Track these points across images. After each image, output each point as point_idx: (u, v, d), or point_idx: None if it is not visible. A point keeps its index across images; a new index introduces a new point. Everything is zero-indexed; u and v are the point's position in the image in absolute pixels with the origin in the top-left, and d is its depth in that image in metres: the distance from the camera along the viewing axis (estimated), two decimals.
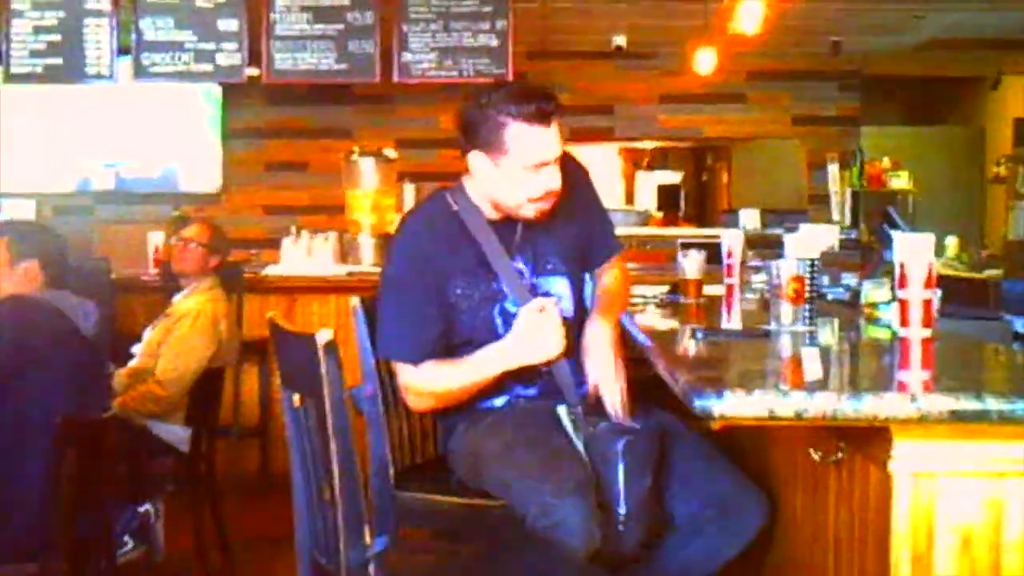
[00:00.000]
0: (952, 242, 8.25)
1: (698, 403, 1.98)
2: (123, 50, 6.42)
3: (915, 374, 2.38)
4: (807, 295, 3.01)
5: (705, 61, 7.62)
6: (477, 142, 2.78)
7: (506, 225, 2.88)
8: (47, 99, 8.66)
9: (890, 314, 2.87)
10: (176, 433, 4.47)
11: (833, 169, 9.03)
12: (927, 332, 2.61)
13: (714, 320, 3.49)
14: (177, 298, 4.75)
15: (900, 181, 10.17)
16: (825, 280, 4.27)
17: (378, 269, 6.06)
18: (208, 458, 4.67)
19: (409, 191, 7.14)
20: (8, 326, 3.40)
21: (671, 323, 3.35)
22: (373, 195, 6.68)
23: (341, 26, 6.41)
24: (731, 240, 4.04)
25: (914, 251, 2.66)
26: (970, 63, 10.04)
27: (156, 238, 6.60)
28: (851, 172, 9.22)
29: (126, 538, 3.75)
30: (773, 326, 2.98)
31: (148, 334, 4.64)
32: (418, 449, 3.11)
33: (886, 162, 10.11)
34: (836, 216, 8.87)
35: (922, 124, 11.43)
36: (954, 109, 11.62)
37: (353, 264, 6.51)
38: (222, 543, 4.73)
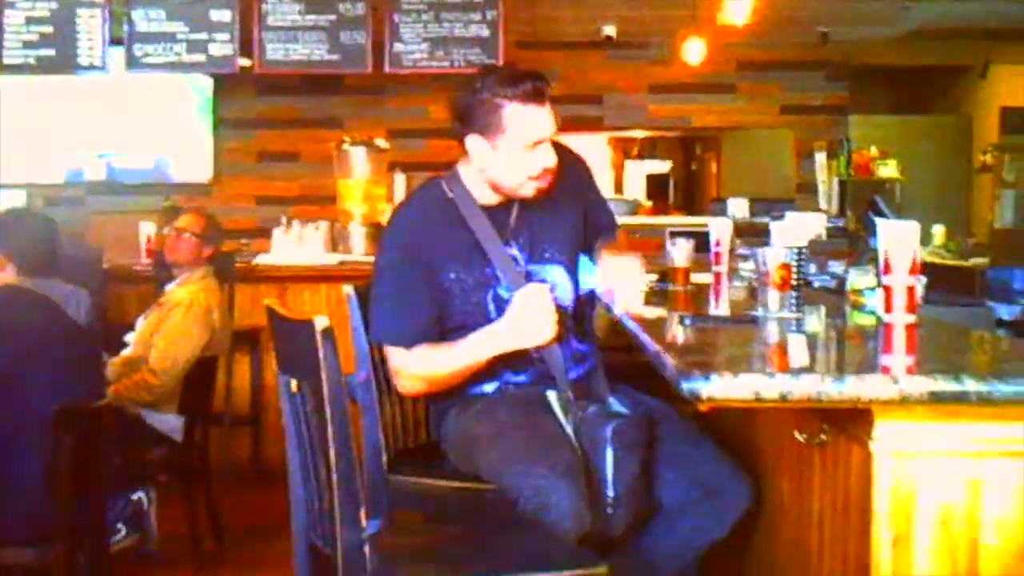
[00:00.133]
0: (939, 230, 8.28)
1: (686, 386, 2.03)
2: (115, 41, 6.44)
3: (897, 358, 2.43)
4: (793, 282, 3.06)
5: (694, 51, 7.67)
6: (474, 126, 2.82)
7: (501, 211, 2.93)
8: (39, 90, 8.67)
9: (875, 300, 2.91)
10: (169, 422, 4.51)
11: (820, 158, 9.07)
12: (911, 318, 2.66)
13: (702, 307, 3.54)
14: (170, 287, 4.78)
15: (888, 170, 10.22)
16: (812, 268, 4.32)
17: (369, 258, 6.14)
18: (201, 447, 4.70)
19: (400, 181, 7.18)
20: (3, 319, 3.42)
21: (660, 311, 3.40)
22: (364, 185, 6.71)
23: (333, 17, 6.44)
24: (719, 229, 4.09)
25: (898, 239, 2.70)
26: (958, 52, 10.09)
27: (148, 228, 6.62)
28: (838, 161, 9.27)
29: (119, 525, 3.77)
30: (760, 312, 3.02)
31: (141, 323, 4.67)
32: (410, 434, 3.16)
33: (874, 151, 10.16)
34: (823, 205, 8.91)
35: (910, 113, 11.47)
36: (942, 98, 11.66)
37: (344, 253, 6.54)
38: (215, 531, 4.77)
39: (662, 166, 11.00)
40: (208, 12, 6.43)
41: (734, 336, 2.77)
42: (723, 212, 8.03)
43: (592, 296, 3.08)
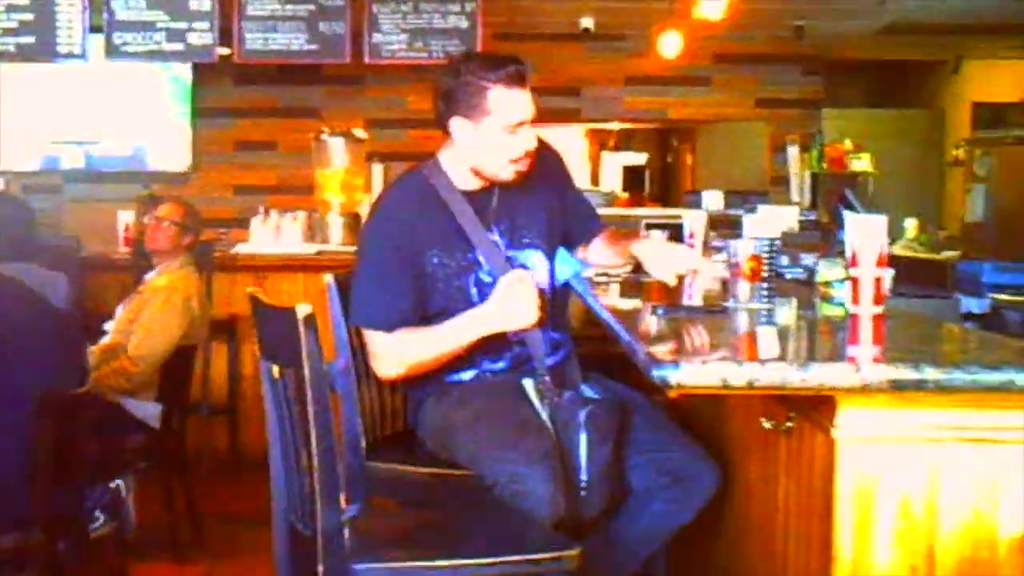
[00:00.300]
0: (912, 224, 8.37)
1: (656, 373, 2.09)
2: (94, 28, 6.45)
3: (860, 347, 2.49)
4: (764, 274, 3.13)
5: (671, 44, 7.72)
6: (459, 108, 2.89)
7: (482, 197, 2.99)
8: (16, 77, 8.65)
9: (843, 292, 2.98)
10: (148, 409, 4.53)
11: (793, 151, 9.14)
12: (877, 309, 2.73)
13: (675, 298, 3.60)
14: (150, 276, 4.80)
15: (861, 163, 10.27)
16: (784, 260, 4.38)
17: (347, 248, 6.19)
18: (179, 435, 4.73)
19: (378, 171, 7.22)
20: None
21: (634, 301, 3.46)
22: (342, 175, 6.75)
23: (312, 7, 6.47)
24: (693, 221, 4.14)
25: (866, 232, 2.77)
26: (931, 47, 10.17)
27: (126, 216, 6.63)
28: (811, 155, 9.34)
29: (97, 513, 3.78)
30: (731, 303, 3.09)
31: (120, 311, 4.69)
32: (388, 422, 3.21)
33: (848, 144, 10.21)
34: (796, 198, 8.98)
35: (883, 107, 11.55)
36: (915, 93, 11.74)
37: (322, 243, 6.58)
38: (193, 519, 4.79)
39: (638, 158, 11.04)
40: (188, 1, 6.45)
41: (704, 325, 2.83)
42: (698, 204, 8.07)
43: (567, 286, 3.15)
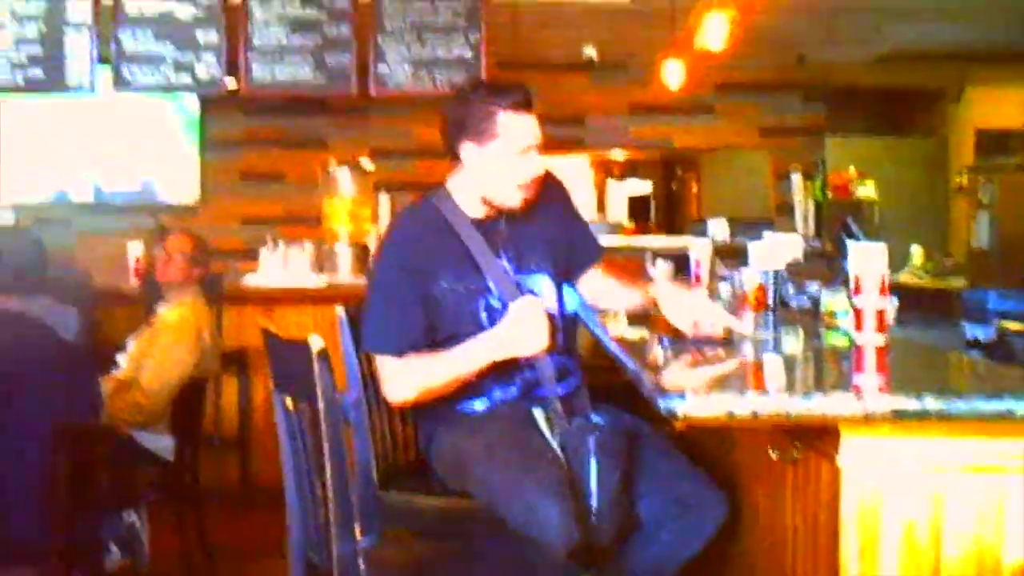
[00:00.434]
0: (917, 251, 8.41)
1: (663, 404, 2.13)
2: (102, 61, 6.51)
3: (863, 376, 2.52)
4: (768, 303, 3.16)
5: (674, 74, 7.76)
6: (467, 133, 2.97)
7: (490, 225, 3.05)
8: (26, 111, 8.73)
9: (847, 321, 3.01)
10: (160, 442, 4.53)
11: (796, 179, 9.19)
12: (881, 339, 2.76)
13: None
14: (161, 309, 4.82)
15: (866, 190, 10.30)
16: (790, 289, 4.41)
17: (355, 279, 6.23)
18: (192, 467, 4.74)
19: (385, 201, 7.26)
20: None
21: (641, 331, 3.49)
22: (350, 205, 6.80)
23: (318, 39, 6.52)
24: (699, 250, 4.18)
25: (868, 261, 2.80)
26: (932, 75, 10.22)
27: (136, 249, 6.67)
28: (814, 183, 9.38)
29: (111, 545, 3.82)
30: (736, 333, 3.13)
31: (132, 344, 4.71)
32: (400, 452, 3.23)
33: (852, 172, 10.25)
34: (800, 226, 9.02)
35: (887, 135, 11.59)
36: (918, 120, 11.78)
37: (330, 273, 6.61)
38: (206, 551, 4.80)
39: (643, 186, 11.09)
40: (195, 34, 6.50)
41: (710, 356, 2.87)
42: (703, 233, 8.09)
43: (576, 316, 3.20)
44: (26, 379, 3.38)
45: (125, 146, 9.10)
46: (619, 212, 10.61)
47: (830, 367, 2.88)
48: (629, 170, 11.31)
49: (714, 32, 5.60)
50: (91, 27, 6.43)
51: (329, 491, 2.31)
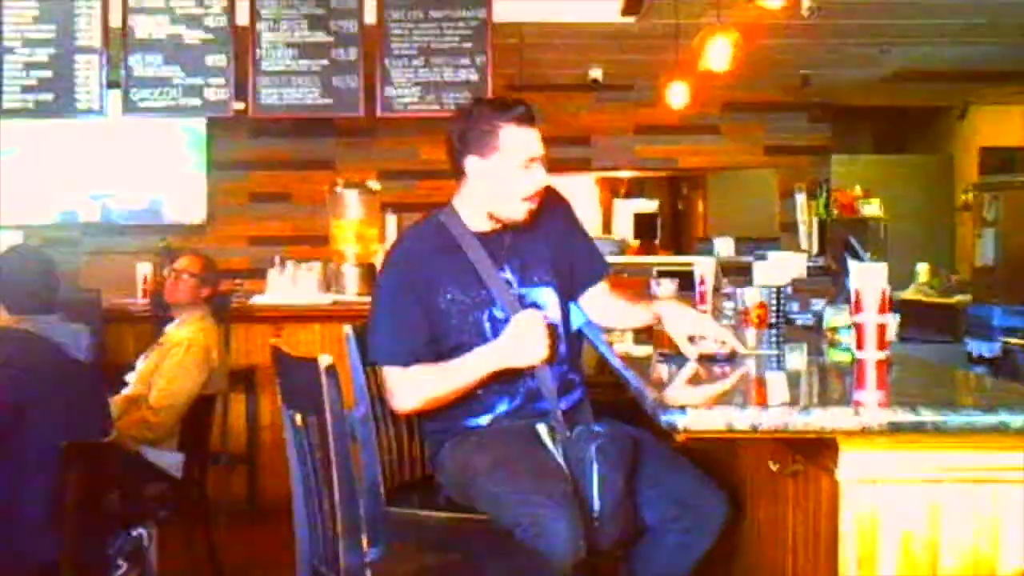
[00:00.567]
0: (923, 268, 8.42)
1: (664, 418, 2.17)
2: (111, 85, 6.57)
3: (862, 391, 2.56)
4: (771, 320, 3.20)
5: (679, 94, 7.80)
6: (471, 148, 3.04)
7: (494, 239, 3.11)
8: (34, 132, 8.79)
9: (849, 338, 3.05)
10: (169, 459, 4.57)
11: (800, 199, 9.23)
12: (882, 354, 2.79)
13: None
14: (170, 328, 4.87)
15: (872, 208, 10.35)
16: (795, 306, 4.45)
17: (362, 298, 6.27)
18: (200, 483, 4.78)
19: (392, 221, 7.31)
20: (3, 362, 3.49)
21: (646, 349, 3.53)
22: (357, 225, 6.84)
23: (326, 62, 6.56)
24: (703, 268, 4.23)
25: (868, 278, 2.83)
26: (937, 94, 10.27)
27: (144, 269, 6.73)
28: (818, 202, 9.42)
29: (120, 561, 3.84)
30: (738, 351, 3.16)
31: (141, 363, 4.76)
32: (407, 468, 3.27)
33: (858, 190, 10.30)
34: (804, 244, 9.06)
35: (892, 153, 11.63)
36: (923, 138, 11.82)
37: (337, 293, 6.66)
38: (214, 567, 4.84)
39: (650, 205, 11.13)
40: (204, 57, 6.55)
41: (712, 372, 2.91)
42: (709, 251, 8.14)
43: (581, 332, 3.25)
44: (38, 397, 3.40)
45: (133, 166, 9.15)
46: (625, 231, 10.64)
47: (830, 382, 2.92)
48: (635, 189, 11.35)
49: (718, 54, 5.63)
50: (101, 51, 6.49)
51: (337, 504, 2.35)
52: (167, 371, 4.60)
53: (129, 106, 6.55)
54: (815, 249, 9.05)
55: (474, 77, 6.58)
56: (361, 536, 2.38)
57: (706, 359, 3.05)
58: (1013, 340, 5.27)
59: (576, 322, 3.24)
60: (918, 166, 11.18)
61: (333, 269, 6.81)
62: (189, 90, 6.55)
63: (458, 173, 3.10)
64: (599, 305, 3.30)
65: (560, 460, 2.87)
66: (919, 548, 2.15)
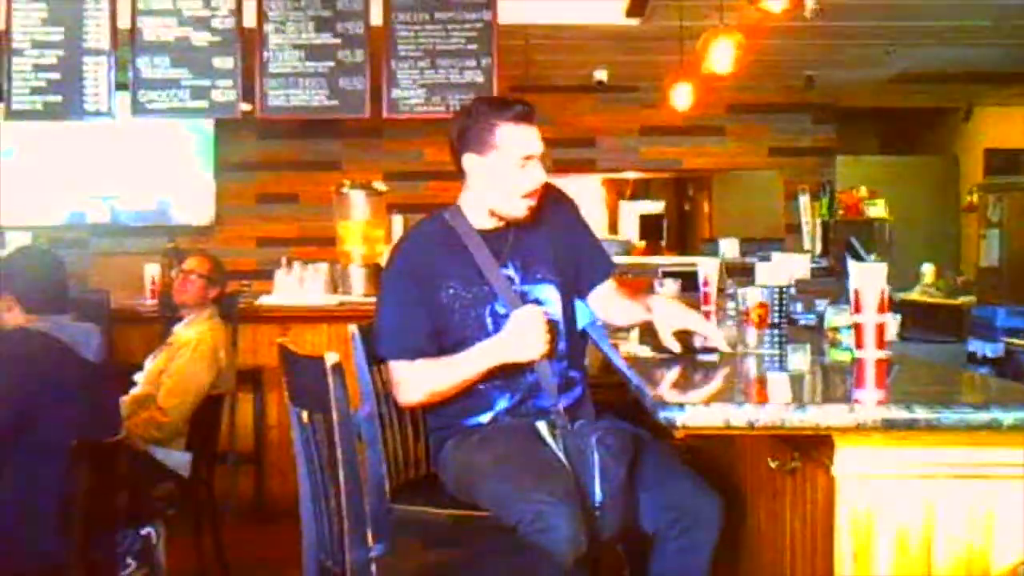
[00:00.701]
0: (929, 269, 8.44)
1: (663, 415, 2.21)
2: (120, 87, 6.61)
3: (859, 389, 2.59)
4: (772, 320, 3.24)
5: (683, 96, 7.83)
6: (470, 146, 3.09)
7: (498, 236, 3.16)
8: (43, 134, 8.84)
9: (849, 338, 3.08)
10: (177, 458, 4.61)
11: (804, 200, 9.25)
12: (881, 354, 2.82)
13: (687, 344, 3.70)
14: (178, 328, 4.92)
15: (877, 209, 10.36)
16: (799, 307, 4.49)
17: (369, 299, 6.29)
18: (208, 482, 4.82)
19: (398, 222, 7.34)
20: (17, 361, 3.52)
21: (650, 350, 3.56)
22: (363, 226, 6.87)
23: (332, 64, 6.60)
24: (707, 269, 4.25)
25: (868, 279, 2.86)
26: (941, 95, 10.29)
27: (152, 269, 6.77)
28: (821, 203, 9.44)
29: (129, 559, 3.87)
30: (740, 349, 3.20)
31: (150, 363, 4.80)
32: (411, 467, 3.30)
33: (863, 191, 10.31)
34: (807, 245, 9.09)
35: (897, 154, 11.65)
36: (928, 139, 11.84)
37: (344, 294, 6.69)
38: (222, 565, 4.86)
39: (655, 206, 11.15)
40: (211, 59, 6.59)
41: (713, 370, 2.94)
42: (715, 252, 8.16)
43: (585, 331, 3.29)
44: (49, 397, 3.43)
45: (141, 168, 9.20)
46: (631, 232, 10.67)
47: (829, 381, 2.95)
48: (641, 190, 11.37)
49: (721, 56, 5.66)
50: (109, 53, 6.53)
51: (343, 500, 2.39)
52: (176, 371, 4.64)
53: (137, 108, 6.59)
54: (819, 250, 9.08)
55: (479, 79, 6.61)
56: (366, 532, 2.41)
57: (692, 352, 3.09)
58: (1016, 341, 5.29)
59: (582, 321, 3.28)
60: (923, 167, 11.20)
61: (340, 270, 6.84)
62: (197, 92, 6.59)
63: (459, 170, 3.16)
64: (606, 303, 3.34)
65: (561, 456, 2.91)
66: (914, 543, 2.19)
